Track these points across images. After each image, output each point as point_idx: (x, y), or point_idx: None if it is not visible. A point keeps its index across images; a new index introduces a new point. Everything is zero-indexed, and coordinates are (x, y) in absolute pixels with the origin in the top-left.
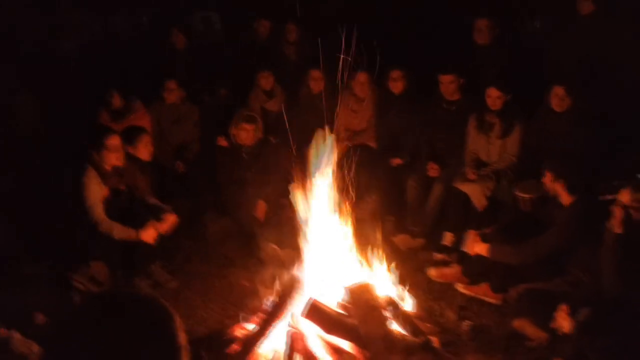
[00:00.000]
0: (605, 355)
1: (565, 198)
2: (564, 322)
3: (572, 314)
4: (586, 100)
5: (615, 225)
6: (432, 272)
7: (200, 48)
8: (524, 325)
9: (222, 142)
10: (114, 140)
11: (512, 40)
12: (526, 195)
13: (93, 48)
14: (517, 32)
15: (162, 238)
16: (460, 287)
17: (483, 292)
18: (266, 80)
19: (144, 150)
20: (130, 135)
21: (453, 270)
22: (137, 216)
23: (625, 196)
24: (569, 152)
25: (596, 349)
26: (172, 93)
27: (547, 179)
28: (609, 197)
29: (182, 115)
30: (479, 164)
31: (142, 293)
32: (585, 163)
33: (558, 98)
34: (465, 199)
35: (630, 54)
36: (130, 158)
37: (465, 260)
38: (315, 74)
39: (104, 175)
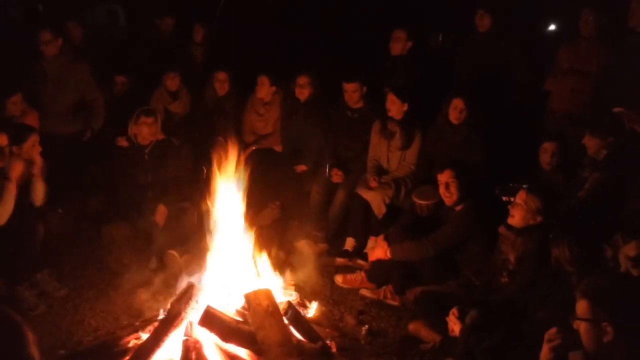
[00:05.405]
0: (491, 354)
1: (456, 199)
2: (454, 324)
3: (462, 316)
4: (480, 112)
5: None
6: (338, 279)
7: (102, 42)
8: (418, 328)
9: (123, 142)
10: None
11: (421, 52)
12: (423, 202)
13: None
14: (426, 45)
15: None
16: (364, 292)
17: (385, 295)
18: (172, 81)
19: (31, 151)
20: (16, 135)
21: (358, 276)
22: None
23: (521, 197)
24: (463, 161)
25: (482, 349)
26: (50, 45)
27: (445, 176)
28: (505, 198)
29: (64, 72)
30: (380, 171)
31: None
32: (478, 170)
33: (457, 111)
34: (366, 205)
35: (519, 67)
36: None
37: (370, 265)
38: (221, 75)
39: None
